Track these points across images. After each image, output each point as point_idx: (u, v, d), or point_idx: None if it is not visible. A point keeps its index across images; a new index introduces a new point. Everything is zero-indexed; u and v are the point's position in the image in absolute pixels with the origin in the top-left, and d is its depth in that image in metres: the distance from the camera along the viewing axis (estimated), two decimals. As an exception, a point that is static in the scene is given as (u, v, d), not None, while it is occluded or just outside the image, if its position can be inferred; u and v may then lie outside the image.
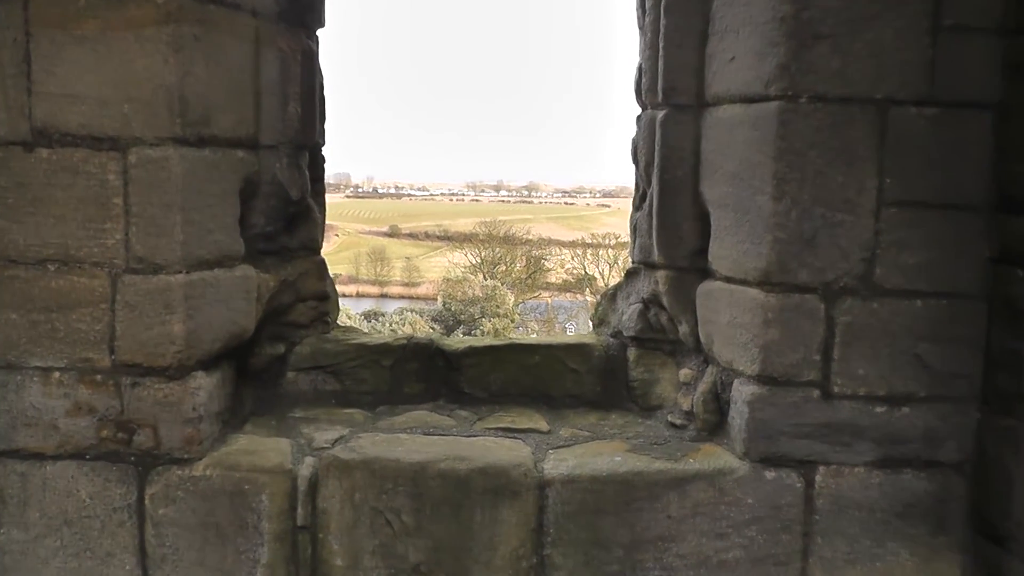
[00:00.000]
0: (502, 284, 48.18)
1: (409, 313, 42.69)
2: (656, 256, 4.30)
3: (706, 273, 4.18)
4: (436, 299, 47.25)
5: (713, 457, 3.96)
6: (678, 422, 4.30)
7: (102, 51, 3.66)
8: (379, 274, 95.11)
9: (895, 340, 3.80)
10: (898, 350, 3.81)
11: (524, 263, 68.58)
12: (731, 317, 3.93)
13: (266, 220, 4.28)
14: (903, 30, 3.65)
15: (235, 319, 4.08)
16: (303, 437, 4.18)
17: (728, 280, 3.96)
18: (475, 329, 40.97)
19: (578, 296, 65.89)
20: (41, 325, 3.81)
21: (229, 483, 3.88)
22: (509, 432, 4.30)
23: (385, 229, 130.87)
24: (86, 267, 3.77)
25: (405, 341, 4.72)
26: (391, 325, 41.12)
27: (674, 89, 4.14)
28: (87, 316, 3.79)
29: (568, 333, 62.30)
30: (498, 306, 43.00)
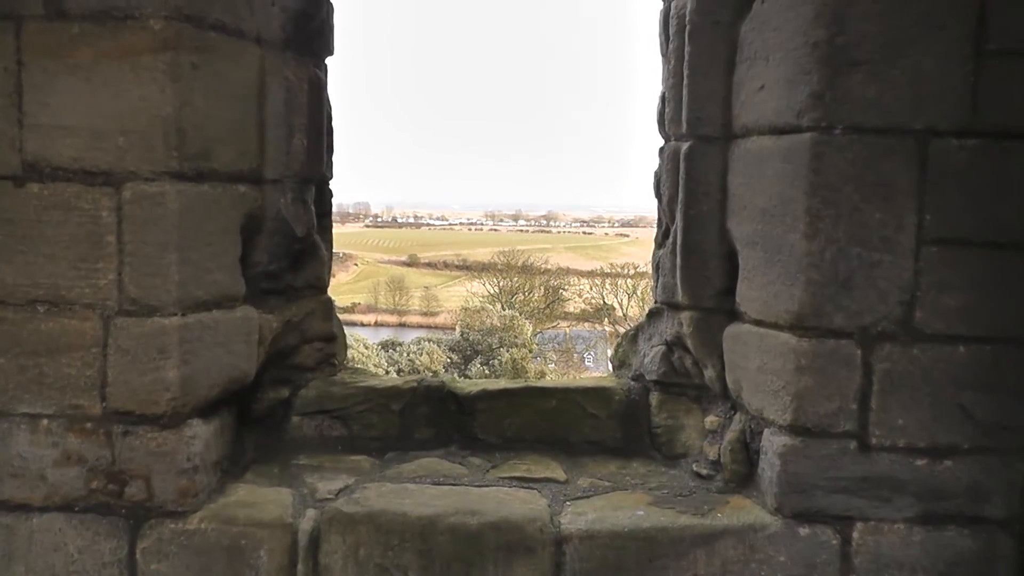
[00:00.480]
0: (520, 314, 47.96)
1: (427, 343, 42.53)
2: (680, 296, 4.06)
3: (733, 315, 3.94)
4: (455, 328, 47.13)
5: (743, 511, 3.70)
6: (704, 472, 4.05)
7: (96, 80, 3.48)
8: (398, 303, 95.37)
9: (936, 388, 3.54)
10: (940, 399, 3.55)
11: (542, 293, 68.48)
12: (761, 363, 3.68)
13: (270, 258, 4.08)
14: (943, 56, 3.42)
15: (235, 363, 3.86)
16: (306, 487, 3.95)
17: (758, 323, 3.72)
18: (493, 359, 40.74)
19: (596, 326, 65.67)
20: (29, 370, 3.60)
21: (226, 538, 3.64)
22: (524, 482, 4.06)
23: (404, 258, 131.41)
24: (77, 309, 3.56)
25: (415, 384, 4.49)
26: (408, 355, 40.96)
27: (699, 119, 3.92)
28: (77, 361, 3.58)
29: (586, 363, 62.12)
30: (516, 336, 42.79)
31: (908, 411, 3.55)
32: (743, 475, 3.90)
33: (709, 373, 4.08)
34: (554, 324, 65.50)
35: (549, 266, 75.75)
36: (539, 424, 4.44)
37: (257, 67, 3.87)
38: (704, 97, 3.91)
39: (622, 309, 60.18)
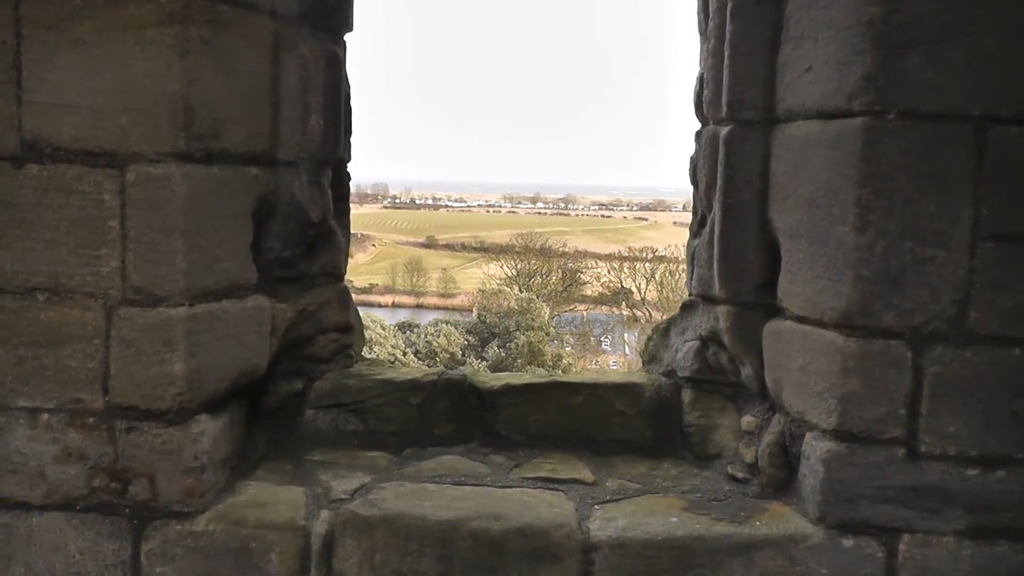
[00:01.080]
0: (537, 297, 47.79)
1: (444, 325, 42.44)
2: (717, 290, 3.83)
3: (774, 310, 3.71)
4: (472, 310, 47.02)
5: (782, 520, 3.48)
6: (740, 476, 3.83)
7: (98, 55, 3.27)
8: (415, 284, 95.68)
9: (990, 394, 3.31)
10: (993, 405, 3.31)
11: (560, 276, 68.32)
12: (804, 362, 3.45)
13: (283, 244, 3.87)
14: (1006, 37, 3.17)
15: (245, 355, 3.66)
16: (320, 485, 3.76)
17: (801, 320, 3.49)
18: (510, 342, 40.60)
19: (614, 309, 65.51)
20: (28, 362, 3.41)
21: (234, 540, 3.45)
22: (549, 483, 3.85)
23: (422, 240, 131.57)
24: (78, 298, 3.37)
25: (435, 377, 4.29)
26: (426, 336, 40.86)
27: (740, 103, 3.68)
28: (79, 352, 3.39)
29: (603, 347, 61.99)
30: (533, 319, 42.64)
31: (959, 417, 3.31)
32: (782, 480, 3.67)
33: (746, 371, 3.85)
34: (571, 307, 65.42)
35: (567, 249, 75.49)
36: (565, 421, 4.23)
37: (271, 42, 3.65)
38: (746, 79, 3.66)
39: (640, 293, 59.90)
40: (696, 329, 4.10)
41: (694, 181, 4.07)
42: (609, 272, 69.93)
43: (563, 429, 4.23)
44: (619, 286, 66.30)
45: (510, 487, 3.80)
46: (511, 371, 39.21)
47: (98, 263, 3.36)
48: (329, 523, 3.47)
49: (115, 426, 3.43)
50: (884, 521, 3.37)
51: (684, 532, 3.41)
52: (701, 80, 3.94)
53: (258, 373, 3.79)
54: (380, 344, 39.08)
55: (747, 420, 3.89)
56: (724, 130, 3.73)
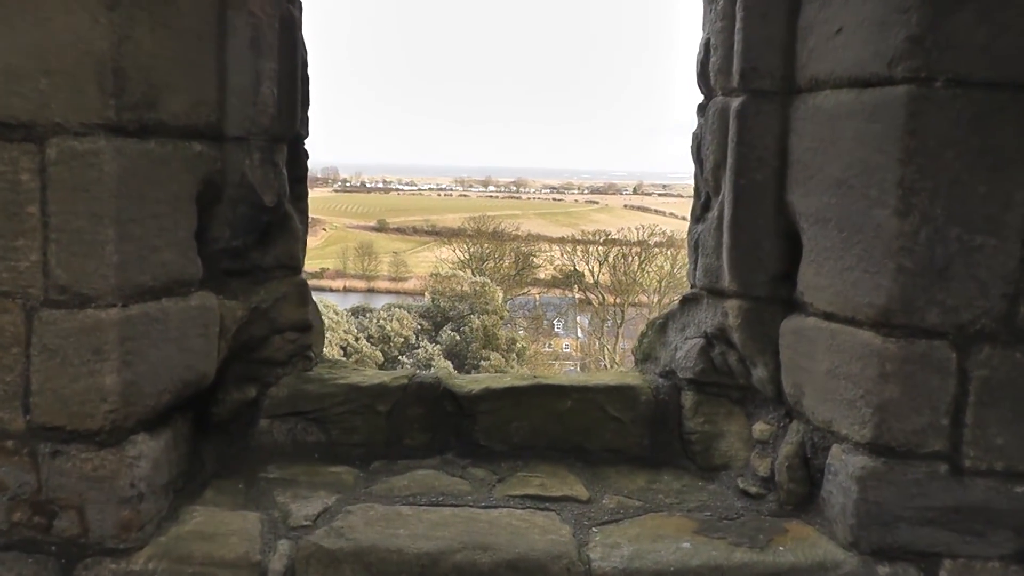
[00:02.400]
0: (490, 280, 47.44)
1: (397, 309, 41.96)
2: (726, 281, 3.40)
3: (791, 305, 3.29)
4: (424, 294, 46.58)
5: (808, 544, 3.06)
6: (753, 490, 3.41)
7: (12, 7, 2.75)
8: (367, 268, 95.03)
9: (1041, 400, 2.92)
10: (1046, 413, 2.92)
11: (512, 259, 68.09)
12: (832, 365, 3.04)
13: (232, 232, 3.37)
14: (1066, -6, 2.76)
15: (190, 362, 3.16)
16: (277, 509, 3.28)
17: (828, 317, 3.07)
18: (464, 326, 40.22)
19: (567, 292, 65.37)
20: (-70, 374, 2.89)
21: (179, 579, 2.96)
22: (539, 501, 3.42)
23: (373, 223, 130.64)
24: (-10, 298, 2.85)
25: (406, 381, 3.82)
26: (379, 321, 40.27)
27: (755, 70, 3.24)
28: (-8, 363, 2.87)
29: (556, 330, 61.87)
30: (487, 303, 42.31)
31: (1008, 428, 2.92)
32: (802, 496, 3.27)
33: (759, 373, 3.43)
34: (525, 291, 65.23)
35: (519, 232, 75.13)
36: (552, 428, 3.79)
37: (216, -2, 3.15)
38: (761, 43, 3.23)
39: (593, 276, 59.74)
40: (700, 325, 3.67)
41: (697, 159, 3.63)
42: (562, 255, 69.65)
43: (550, 438, 3.79)
44: (571, 269, 66.00)
45: (495, 507, 3.35)
46: (467, 356, 38.82)
47: (15, 257, 2.84)
48: (289, 557, 2.99)
49: (38, 450, 2.92)
50: (924, 546, 2.97)
51: (700, 561, 2.98)
52: (707, 46, 3.50)
53: (205, 382, 3.30)
54: (332, 330, 38.46)
55: (760, 428, 3.47)
56: (736, 102, 3.30)
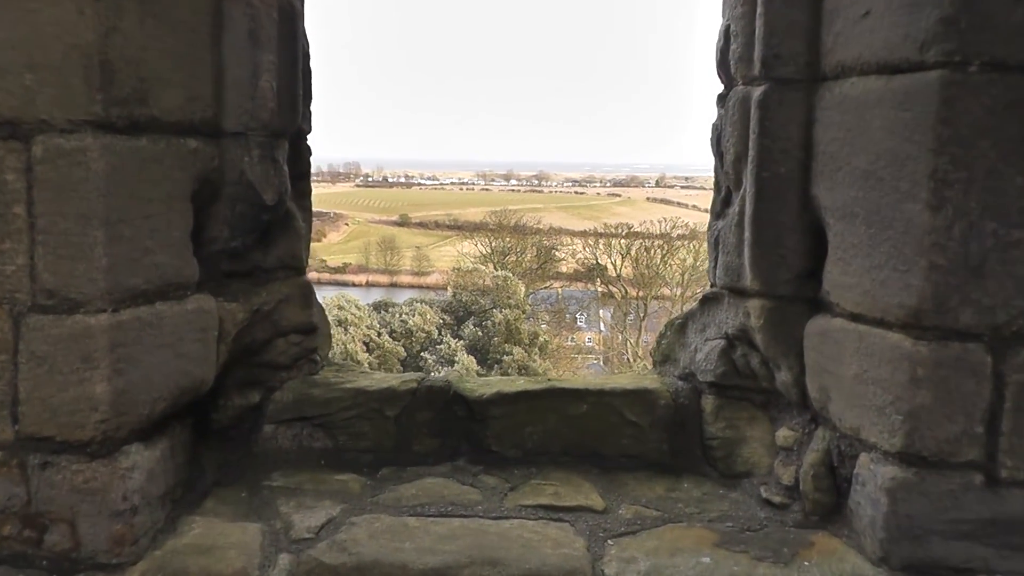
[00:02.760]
0: (512, 274, 47.31)
1: (419, 304, 41.89)
2: (748, 280, 3.24)
3: (818, 305, 3.12)
4: (446, 289, 46.52)
5: (835, 559, 2.90)
6: (776, 500, 3.25)
7: (-7, -1, 2.62)
8: (389, 263, 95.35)
9: (1084, 405, 2.74)
10: (1088, 419, 2.74)
11: (534, 253, 68.00)
12: (860, 369, 2.87)
13: (231, 232, 3.24)
14: (1108, -29, 2.58)
15: (187, 368, 3.03)
16: (279, 519, 3.15)
17: (855, 318, 2.90)
18: (486, 320, 40.09)
19: (589, 286, 65.18)
20: (-85, 382, 2.77)
21: (174, 595, 2.83)
22: (552, 511, 3.27)
23: (395, 218, 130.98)
24: (-25, 303, 2.73)
25: (415, 384, 3.68)
26: (401, 316, 40.18)
27: (777, 57, 3.08)
28: (-22, 371, 2.75)
29: (579, 323, 61.69)
30: (509, 297, 42.16)
31: (1049, 434, 2.74)
32: (828, 506, 3.10)
33: (783, 376, 3.26)
34: (547, 284, 65.13)
35: (541, 226, 74.91)
36: (567, 433, 3.64)
37: (211, -13, 3.01)
38: (784, 29, 3.06)
39: (615, 269, 59.46)
40: (720, 326, 3.50)
41: (717, 152, 3.47)
42: (584, 249, 69.38)
43: (565, 443, 3.64)
44: (594, 262, 65.76)
45: (506, 518, 3.20)
46: (489, 350, 38.68)
47: (1, 260, 2.72)
48: (289, 573, 2.85)
49: (27, 461, 2.80)
50: (958, 561, 2.79)
51: (720, 577, 2.82)
52: (727, 33, 3.33)
53: (203, 388, 3.17)
54: (355, 325, 38.41)
55: (784, 434, 3.30)
56: (757, 91, 3.13)
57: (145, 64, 2.76)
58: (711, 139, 3.51)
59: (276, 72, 3.22)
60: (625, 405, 3.61)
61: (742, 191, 3.25)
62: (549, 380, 3.75)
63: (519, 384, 3.70)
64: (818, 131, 3.02)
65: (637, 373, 3.97)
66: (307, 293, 3.61)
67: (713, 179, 3.57)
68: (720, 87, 3.49)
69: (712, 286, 3.57)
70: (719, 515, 3.24)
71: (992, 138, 2.59)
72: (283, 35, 3.26)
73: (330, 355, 3.92)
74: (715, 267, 3.49)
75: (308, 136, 3.67)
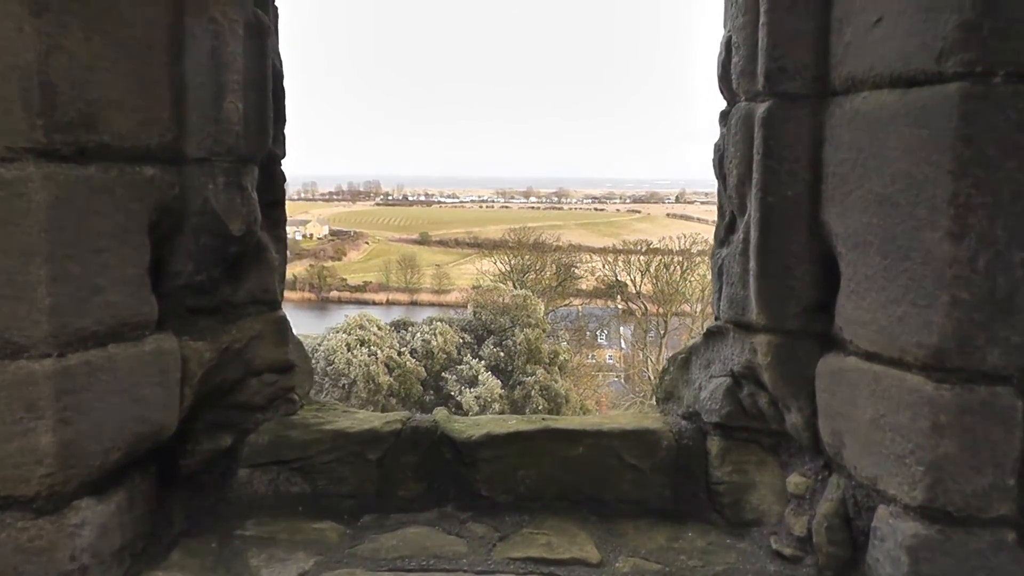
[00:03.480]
0: (532, 292, 47.11)
1: (439, 323, 41.70)
2: (754, 314, 2.98)
3: (830, 341, 2.86)
4: (466, 306, 46.37)
5: (851, 623, 2.63)
6: (787, 552, 2.98)
7: (-76, 19, 2.41)
8: (409, 281, 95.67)
9: None
10: None
11: (554, 270, 67.91)
12: (876, 414, 2.60)
13: (196, 266, 3.01)
14: None
15: (144, 414, 2.81)
16: (248, 574, 2.91)
17: (870, 358, 2.64)
18: (506, 339, 39.85)
19: (609, 303, 64.92)
20: None
21: (127, 664, 2.60)
22: (543, 565, 3.01)
23: (415, 236, 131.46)
24: (-93, 347, 2.51)
25: (399, 425, 3.44)
26: (421, 336, 39.96)
27: (782, 71, 2.83)
28: (-90, 421, 2.53)
29: (599, 340, 61.45)
30: (529, 315, 41.92)
31: (1089, 486, 2.47)
32: (844, 561, 2.83)
33: (793, 418, 3.00)
34: (567, 302, 64.99)
35: (560, 243, 74.71)
36: (562, 477, 3.39)
37: (170, 1, 2.79)
38: (789, 39, 2.81)
39: (635, 286, 59.17)
40: (726, 362, 3.24)
41: (720, 174, 3.22)
42: (604, 266, 69.15)
43: (560, 488, 3.39)
44: (613, 279, 65.49)
45: (493, 572, 2.95)
46: (512, 371, 38.40)
47: (-63, 300, 2.50)
48: (251, 639, 2.61)
49: (-34, 517, 2.57)
50: (989, 626, 2.52)
51: (724, 644, 2.56)
52: (728, 44, 3.08)
53: (165, 434, 2.94)
54: (377, 345, 38.21)
55: (796, 480, 3.04)
56: (761, 107, 2.88)
57: (93, 85, 2.55)
58: (713, 160, 3.26)
59: (243, 93, 3.00)
60: (625, 447, 3.36)
61: (747, 216, 2.99)
62: (543, 419, 3.51)
63: (511, 424, 3.46)
64: (828, 151, 2.77)
65: (638, 412, 3.71)
66: (282, 329, 3.38)
67: (717, 204, 3.32)
68: (723, 103, 3.25)
69: (716, 319, 3.32)
70: (725, 568, 2.98)
71: (1020, 158, 2.34)
72: (250, 53, 3.04)
73: (312, 393, 3.69)
74: (719, 299, 3.24)
75: (281, 161, 3.45)
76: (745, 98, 3.00)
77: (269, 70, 3.16)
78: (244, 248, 3.14)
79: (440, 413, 3.59)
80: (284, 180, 3.47)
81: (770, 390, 3.03)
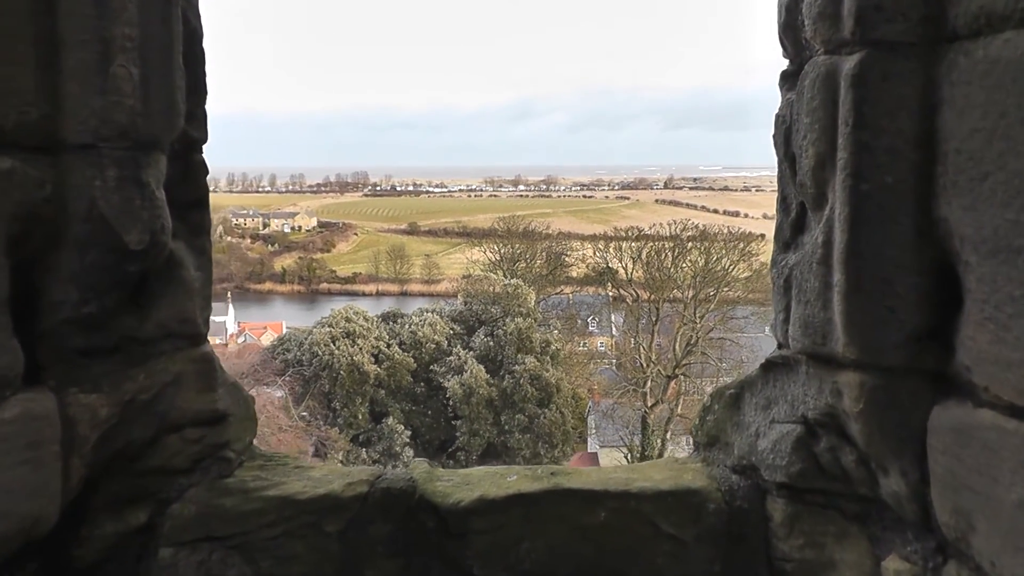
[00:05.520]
0: (523, 281, 46.63)
1: (429, 314, 41.22)
2: (840, 343, 2.19)
3: (947, 384, 2.08)
4: (457, 296, 45.95)
5: None
6: (886, 663, 2.21)
7: None
8: (399, 272, 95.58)
9: None
10: None
11: (544, 259, 67.56)
12: (1029, 492, 1.82)
13: (83, 293, 2.22)
14: None
15: (5, 507, 2.01)
16: None
17: (1018, 413, 1.85)
18: (497, 329, 39.28)
19: (600, 290, 64.52)
20: None
21: None
22: None
23: (404, 226, 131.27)
24: None
25: (366, 488, 2.66)
26: (410, 327, 39.24)
27: (879, 9, 2.05)
28: None
29: (590, 328, 61.11)
30: (520, 305, 41.38)
31: None
32: None
33: (892, 484, 2.22)
34: (557, 290, 64.68)
35: (550, 231, 74.19)
36: (578, 551, 2.62)
37: (26, -70, 2.00)
38: (889, -32, 2.03)
39: (626, 273, 58.55)
40: (795, 405, 2.46)
41: (786, 154, 2.42)
42: (594, 253, 68.56)
43: (576, 564, 2.62)
44: (604, 267, 64.94)
45: None
46: (502, 360, 37.67)
47: None
48: None
49: None
50: None
51: None
52: (796, -19, 2.29)
53: (41, 528, 2.16)
54: (364, 337, 37.53)
55: (896, 566, 2.25)
56: (849, 62, 2.10)
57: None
58: (774, 136, 2.47)
59: (139, 53, 2.20)
60: (660, 511, 2.59)
61: (827, 211, 2.21)
62: (552, 475, 2.73)
63: (511, 483, 2.68)
64: (946, 119, 1.99)
65: (674, 462, 2.92)
66: (207, 370, 2.58)
67: (777, 193, 2.53)
68: (783, 63, 2.46)
69: (780, 346, 2.53)
70: None
71: None
72: (150, 1, 2.23)
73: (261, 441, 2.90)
74: (786, 320, 2.45)
75: (202, 147, 2.63)
76: (824, 50, 2.21)
77: (177, 24, 2.35)
78: (149, 265, 2.34)
79: (419, 468, 2.81)
80: (206, 172, 2.65)
81: (860, 445, 2.24)
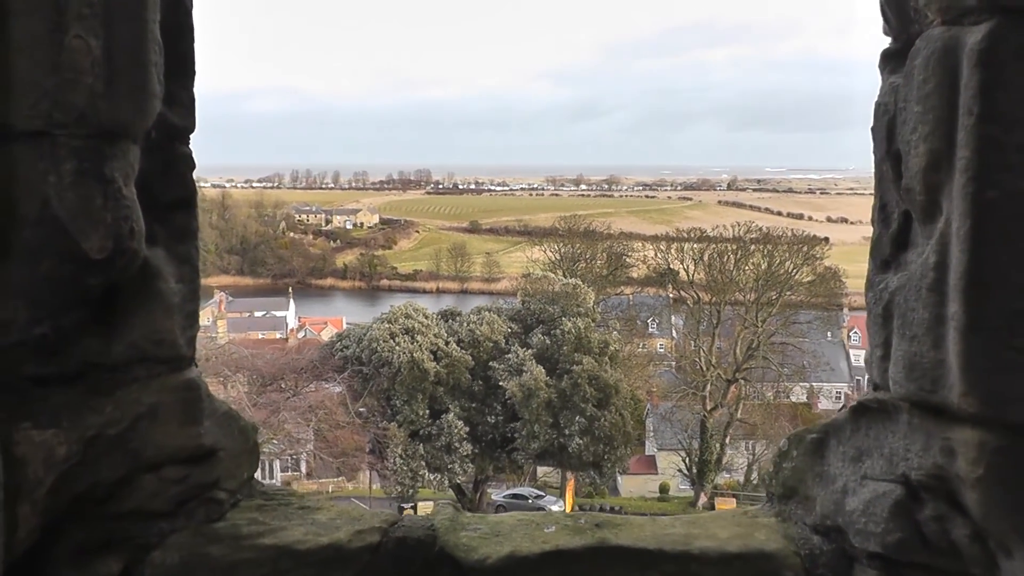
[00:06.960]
0: (582, 281, 46.35)
1: (487, 313, 41.10)
2: (956, 391, 1.74)
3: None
4: (516, 295, 45.91)
5: None
6: None
7: None
8: (459, 270, 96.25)
9: None
10: None
11: (605, 259, 67.30)
12: None
13: (33, 311, 1.86)
14: None
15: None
16: None
17: None
18: (555, 329, 38.99)
19: (661, 292, 64.09)
20: None
21: None
22: None
23: (465, 224, 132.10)
24: None
25: (378, 537, 2.27)
26: (468, 325, 39.08)
27: (1019, -31, 1.59)
28: None
29: (650, 329, 60.62)
30: (578, 304, 41.04)
31: None
32: None
33: (1018, 569, 1.76)
34: (618, 291, 64.47)
35: (611, 231, 73.74)
36: (624, 622, 2.19)
37: None
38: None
39: (688, 275, 57.84)
40: (893, 460, 2.00)
41: (888, 150, 1.97)
42: (656, 254, 67.98)
43: (622, 638, 2.19)
44: (665, 268, 64.35)
45: None
46: (558, 360, 37.28)
47: None
48: None
49: None
50: None
51: None
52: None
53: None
54: (423, 334, 37.48)
55: (1021, 668, 1.80)
56: (975, 34, 1.66)
57: None
58: (873, 130, 2.02)
59: (101, 21, 1.82)
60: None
61: (940, 224, 1.76)
62: (597, 526, 2.31)
63: (549, 537, 2.26)
64: (1106, 108, 1.54)
65: (742, 515, 2.46)
66: (191, 399, 2.19)
67: (874, 200, 2.07)
68: (885, 41, 2.01)
69: (876, 388, 2.07)
70: None
71: None
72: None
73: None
74: (884, 357, 1.99)
75: (188, 135, 2.24)
76: (941, 20, 1.76)
77: (152, -13, 1.97)
78: (117, 277, 1.96)
79: (442, 514, 2.41)
80: (192, 167, 2.25)
81: (976, 518, 1.79)
